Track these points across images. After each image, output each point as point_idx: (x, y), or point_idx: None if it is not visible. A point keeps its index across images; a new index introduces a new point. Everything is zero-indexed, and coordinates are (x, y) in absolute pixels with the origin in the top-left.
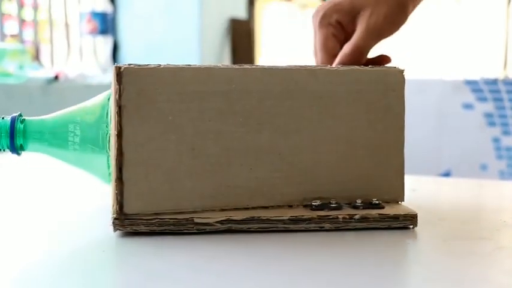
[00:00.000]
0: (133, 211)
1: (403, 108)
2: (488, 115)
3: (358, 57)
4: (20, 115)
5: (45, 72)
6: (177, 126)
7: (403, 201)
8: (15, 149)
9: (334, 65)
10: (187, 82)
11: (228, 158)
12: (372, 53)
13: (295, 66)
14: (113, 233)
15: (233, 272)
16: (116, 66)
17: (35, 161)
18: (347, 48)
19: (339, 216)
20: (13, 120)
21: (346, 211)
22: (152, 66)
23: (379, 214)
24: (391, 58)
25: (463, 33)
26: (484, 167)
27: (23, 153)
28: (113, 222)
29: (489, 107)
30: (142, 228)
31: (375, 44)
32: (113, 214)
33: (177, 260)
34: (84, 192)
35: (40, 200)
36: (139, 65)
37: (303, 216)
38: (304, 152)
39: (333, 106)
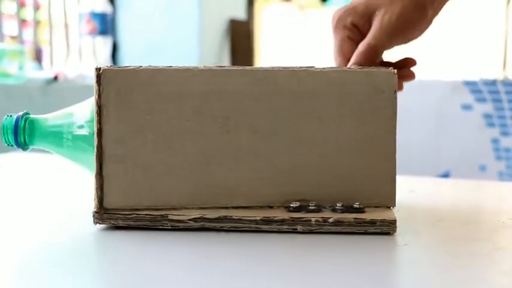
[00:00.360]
0: (112, 206)
1: (393, 110)
2: (487, 116)
3: (372, 56)
4: (27, 113)
5: (45, 72)
6: (154, 126)
7: (394, 206)
8: (19, 144)
9: (349, 65)
10: (164, 83)
11: (206, 157)
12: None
13: (276, 67)
14: (113, 227)
15: (225, 271)
16: (96, 68)
17: (37, 160)
18: (361, 46)
19: (312, 219)
20: (17, 118)
21: (324, 214)
22: (131, 67)
23: (355, 218)
24: (416, 61)
25: (462, 33)
26: (483, 168)
27: (31, 149)
28: (93, 216)
29: (488, 107)
30: (120, 223)
31: (389, 43)
32: (94, 208)
33: (162, 257)
34: (82, 188)
35: (39, 196)
36: (118, 67)
37: (275, 217)
38: (284, 154)
39: (315, 108)
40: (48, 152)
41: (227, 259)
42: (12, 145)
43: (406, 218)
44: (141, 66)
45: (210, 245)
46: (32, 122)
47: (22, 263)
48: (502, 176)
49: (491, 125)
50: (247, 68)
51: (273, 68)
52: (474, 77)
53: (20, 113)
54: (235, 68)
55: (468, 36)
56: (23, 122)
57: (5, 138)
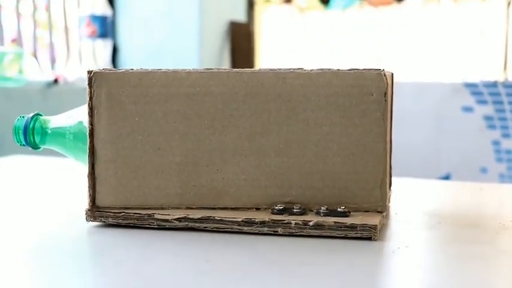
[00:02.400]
0: (104, 204)
1: (384, 113)
2: (488, 118)
3: None
4: (39, 114)
5: (45, 75)
6: (143, 127)
7: (385, 211)
8: (29, 144)
9: None
10: (151, 85)
11: (193, 158)
12: (365, 56)
13: (263, 69)
14: (114, 225)
15: (226, 273)
16: (87, 71)
17: (40, 162)
18: None
19: (292, 222)
20: (27, 120)
21: (307, 217)
22: (121, 70)
23: (335, 222)
24: None
25: (463, 35)
26: (484, 170)
27: (42, 148)
28: (85, 213)
29: (489, 109)
30: (110, 221)
31: None
32: (87, 206)
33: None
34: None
35: (40, 196)
36: (110, 70)
37: (255, 219)
38: (270, 155)
39: (301, 109)
40: (59, 153)
41: (228, 263)
42: (23, 145)
43: (406, 221)
44: (132, 69)
45: (208, 247)
46: (42, 123)
47: (22, 255)
48: (503, 178)
49: (492, 127)
50: (233, 70)
51: (258, 70)
52: (475, 78)
53: (31, 114)
54: (221, 70)
55: (468, 37)
56: (32, 123)
57: (16, 138)
